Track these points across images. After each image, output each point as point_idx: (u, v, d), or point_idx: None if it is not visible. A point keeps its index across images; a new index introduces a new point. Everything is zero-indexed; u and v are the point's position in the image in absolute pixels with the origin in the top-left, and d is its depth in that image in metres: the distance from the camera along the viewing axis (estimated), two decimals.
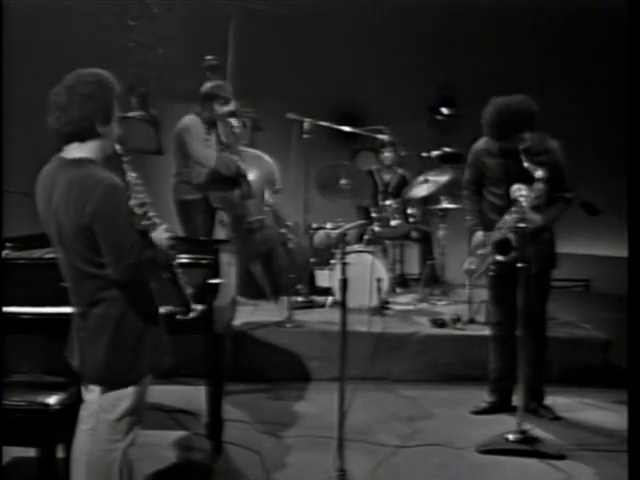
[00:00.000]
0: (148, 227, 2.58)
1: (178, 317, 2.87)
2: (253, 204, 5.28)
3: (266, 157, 5.47)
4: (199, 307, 2.89)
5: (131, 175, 2.59)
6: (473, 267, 4.22)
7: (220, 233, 5.47)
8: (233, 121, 5.29)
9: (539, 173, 3.82)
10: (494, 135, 4.03)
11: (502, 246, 4.00)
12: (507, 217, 3.99)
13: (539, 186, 3.84)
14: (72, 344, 2.70)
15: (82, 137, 2.53)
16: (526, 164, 3.87)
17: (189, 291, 2.83)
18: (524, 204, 3.79)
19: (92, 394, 2.71)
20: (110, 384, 2.61)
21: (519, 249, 3.84)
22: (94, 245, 2.48)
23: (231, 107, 5.25)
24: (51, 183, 2.54)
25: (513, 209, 3.93)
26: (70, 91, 2.49)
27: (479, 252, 4.16)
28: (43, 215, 2.60)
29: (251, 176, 5.28)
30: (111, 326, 2.55)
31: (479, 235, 4.19)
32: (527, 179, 3.86)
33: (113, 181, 2.50)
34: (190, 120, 5.28)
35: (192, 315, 2.86)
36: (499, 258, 4.01)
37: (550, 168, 3.89)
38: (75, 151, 2.55)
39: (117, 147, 2.62)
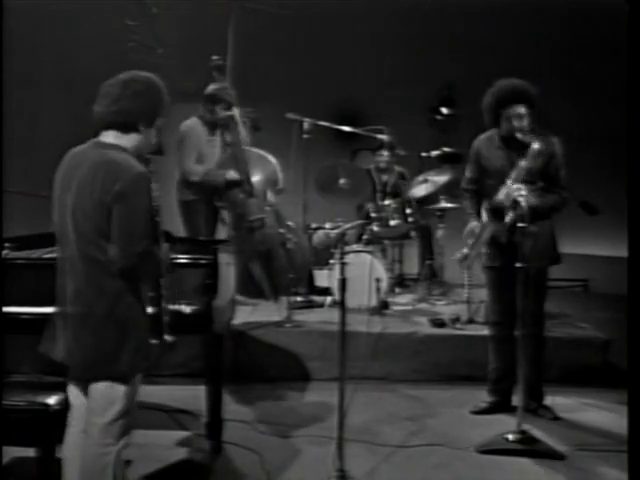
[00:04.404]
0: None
1: (150, 340, 2.73)
2: (255, 203, 5.27)
3: (269, 157, 5.45)
4: (170, 338, 2.76)
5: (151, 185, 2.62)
6: (465, 251, 4.21)
7: (223, 233, 5.46)
8: (239, 125, 5.28)
9: (535, 145, 3.84)
10: (495, 104, 4.02)
11: (497, 214, 3.99)
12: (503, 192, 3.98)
13: (529, 163, 3.84)
14: (53, 335, 2.65)
15: (124, 128, 2.60)
16: (520, 135, 3.87)
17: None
18: (524, 204, 3.79)
19: (79, 398, 2.71)
20: (90, 377, 2.61)
21: (515, 216, 3.84)
22: (106, 227, 2.50)
23: (233, 112, 5.24)
24: (78, 161, 2.59)
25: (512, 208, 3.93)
26: (124, 85, 2.60)
27: (470, 241, 4.17)
28: (59, 191, 2.61)
29: (254, 175, 5.27)
30: (97, 321, 2.54)
31: (473, 224, 4.20)
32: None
33: (146, 171, 2.56)
34: (190, 124, 5.29)
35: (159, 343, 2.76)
36: (494, 227, 4.01)
37: (547, 162, 3.89)
38: (112, 138, 2.61)
39: (149, 155, 2.69)
